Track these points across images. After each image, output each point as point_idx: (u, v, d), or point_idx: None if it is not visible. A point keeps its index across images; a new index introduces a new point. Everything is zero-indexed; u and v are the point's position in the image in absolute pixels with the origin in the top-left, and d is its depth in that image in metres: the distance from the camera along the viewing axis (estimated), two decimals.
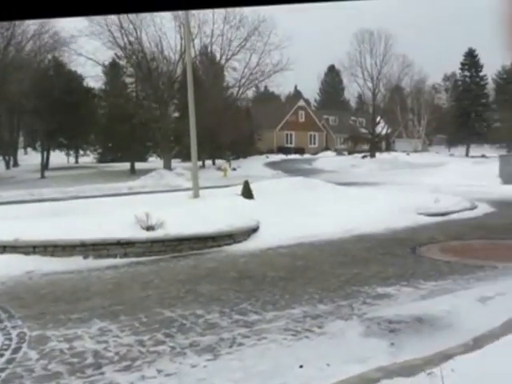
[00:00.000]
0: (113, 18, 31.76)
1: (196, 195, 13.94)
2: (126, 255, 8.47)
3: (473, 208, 13.89)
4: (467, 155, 52.59)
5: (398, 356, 3.87)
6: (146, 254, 8.56)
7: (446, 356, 3.49)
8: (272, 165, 39.11)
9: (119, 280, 7.04)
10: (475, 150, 55.91)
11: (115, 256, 8.41)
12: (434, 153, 54.46)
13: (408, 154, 48.14)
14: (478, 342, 3.76)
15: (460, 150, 56.95)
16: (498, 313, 4.77)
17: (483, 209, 13.97)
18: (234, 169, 35.15)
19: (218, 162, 39.12)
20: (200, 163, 33.14)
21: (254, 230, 10.12)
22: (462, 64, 60.97)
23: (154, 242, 8.71)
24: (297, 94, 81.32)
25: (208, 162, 38.92)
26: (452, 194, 16.17)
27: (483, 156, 49.46)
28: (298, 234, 9.92)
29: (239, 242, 9.54)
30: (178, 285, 6.58)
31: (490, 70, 68.40)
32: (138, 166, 35.83)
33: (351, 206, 12.61)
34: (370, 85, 51.34)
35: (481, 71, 60.09)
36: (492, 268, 6.90)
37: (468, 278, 6.39)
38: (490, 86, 65.53)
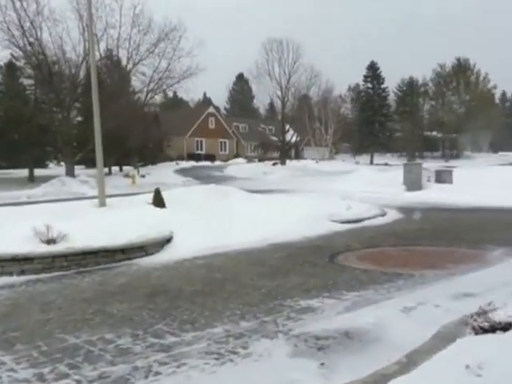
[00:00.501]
0: (12, 15, 29.54)
1: (102, 204, 13.06)
2: (23, 272, 7.61)
3: (383, 215, 14.37)
4: (371, 163, 55.35)
5: (329, 378, 3.65)
6: (46, 270, 7.74)
7: (382, 377, 3.31)
8: (182, 172, 38.45)
9: (15, 301, 6.25)
10: (379, 158, 59.08)
11: (11, 274, 7.54)
12: (340, 161, 56.76)
13: (317, 162, 49.72)
14: (411, 359, 3.64)
15: (365, 158, 59.86)
16: (422, 324, 4.74)
17: (392, 215, 14.51)
18: (143, 176, 34.03)
19: (126, 168, 37.71)
20: (106, 170, 31.71)
21: (168, 240, 9.62)
22: (365, 76, 64.34)
23: (55, 256, 7.91)
24: (206, 101, 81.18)
25: (115, 169, 37.41)
26: (361, 200, 16.71)
27: (386, 164, 52.35)
28: (213, 243, 9.58)
29: (152, 254, 8.99)
30: (83, 305, 5.94)
31: (391, 82, 72.99)
32: (38, 172, 33.50)
33: (267, 214, 12.49)
34: (279, 93, 52.43)
35: (382, 83, 63.77)
36: (409, 276, 6.99)
37: (388, 288, 6.40)
38: (392, 97, 69.78)
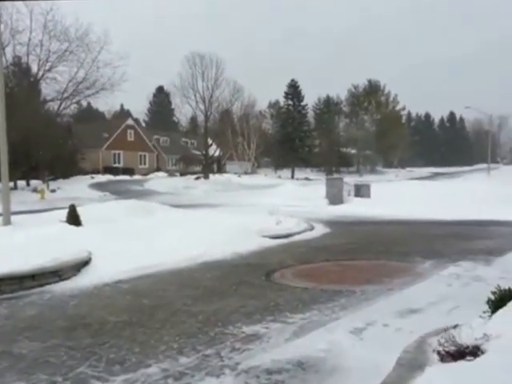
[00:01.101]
0: None
1: (7, 222, 11.71)
2: None
3: (311, 229, 14.20)
4: (292, 177, 56.16)
5: None
6: None
7: None
8: (98, 186, 36.54)
9: None
10: (299, 173, 60.14)
11: None
12: (263, 175, 57.06)
13: (240, 176, 49.55)
14: None
15: (286, 172, 60.64)
16: (378, 349, 4.38)
17: (320, 229, 14.38)
18: (53, 190, 31.81)
19: (34, 182, 35.12)
20: (11, 184, 29.27)
21: (86, 262, 8.66)
22: (286, 93, 65.54)
23: None
24: (124, 113, 78.82)
25: (21, 183, 34.69)
26: (287, 214, 16.53)
27: (306, 178, 53.35)
28: (138, 264, 8.76)
29: (67, 278, 8.00)
30: None
31: (311, 100, 75.12)
32: None
33: (193, 230, 11.84)
34: (202, 107, 51.85)
35: (302, 101, 65.25)
36: (351, 293, 6.67)
37: (332, 307, 6.02)
38: (311, 114, 71.67)
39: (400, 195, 29.21)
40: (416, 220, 16.93)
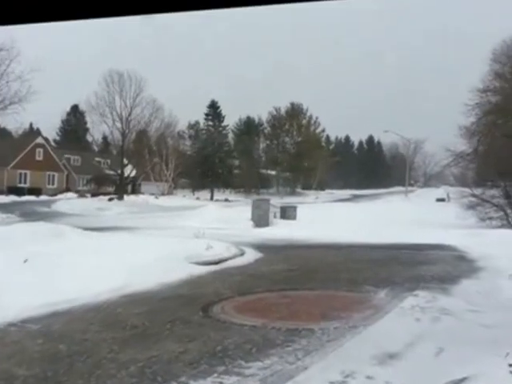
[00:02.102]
0: None
1: None
2: None
3: (242, 254, 13.38)
4: (212, 199, 55.21)
5: None
6: None
7: None
8: (1, 207, 33.38)
9: None
10: (218, 194, 59.32)
11: None
12: (181, 196, 55.59)
13: (157, 197, 47.79)
14: None
15: (204, 193, 59.56)
16: None
17: (252, 254, 13.60)
18: None
19: None
20: None
21: None
22: (206, 114, 65.08)
23: None
24: (34, 131, 74.31)
25: None
26: (212, 238, 15.63)
27: (227, 200, 52.64)
28: (50, 298, 7.42)
29: None
30: None
31: (231, 121, 75.03)
32: None
33: (113, 257, 10.61)
34: (119, 125, 49.78)
35: (223, 121, 65.05)
36: (309, 332, 5.88)
37: (293, 351, 5.18)
38: (232, 135, 71.56)
39: (326, 217, 29.31)
40: (348, 243, 16.66)
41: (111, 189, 52.96)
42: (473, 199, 30.04)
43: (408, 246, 15.65)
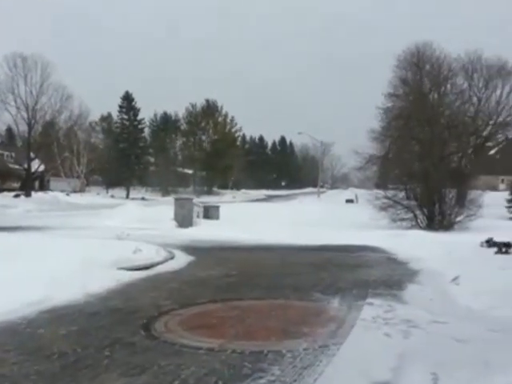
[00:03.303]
0: None
1: None
2: None
3: (172, 257, 12.28)
4: (127, 197, 52.75)
5: None
6: None
7: None
8: None
9: None
10: (133, 192, 56.86)
11: None
12: (94, 193, 52.55)
13: (68, 195, 44.71)
14: None
15: (119, 191, 56.89)
16: None
17: (182, 257, 12.54)
18: None
19: None
20: None
21: None
22: (120, 106, 62.03)
23: None
24: None
25: None
26: (137, 239, 14.39)
27: (143, 198, 50.51)
28: None
29: None
30: None
31: (148, 115, 72.22)
32: None
33: (27, 262, 9.11)
34: (24, 115, 45.86)
35: (138, 115, 62.33)
36: (278, 356, 5.00)
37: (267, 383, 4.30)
38: (148, 130, 68.94)
39: (249, 217, 28.70)
40: (278, 245, 16.07)
41: (16, 185, 48.94)
42: (386, 201, 31.08)
43: (336, 248, 15.33)
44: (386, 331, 5.83)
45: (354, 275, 10.28)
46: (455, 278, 8.80)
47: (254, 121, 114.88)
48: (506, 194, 41.73)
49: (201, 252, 13.92)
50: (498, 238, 13.16)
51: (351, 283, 9.28)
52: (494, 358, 4.73)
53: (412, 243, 15.42)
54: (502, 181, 56.99)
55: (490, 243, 12.98)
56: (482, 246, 13.25)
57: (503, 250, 11.28)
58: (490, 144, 38.25)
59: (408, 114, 32.71)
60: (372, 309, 6.98)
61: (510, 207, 39.99)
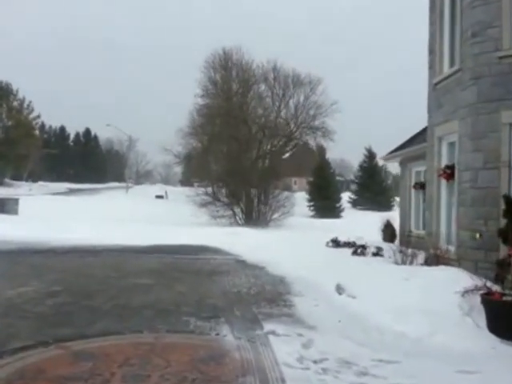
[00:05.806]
0: None
1: None
2: None
3: None
4: None
5: None
6: None
7: None
8: None
9: None
10: None
11: None
12: None
13: None
14: None
15: None
16: None
17: None
18: None
19: None
20: None
21: None
22: None
23: None
24: None
25: None
26: None
27: None
28: None
29: None
30: None
31: None
32: None
33: None
34: None
35: None
36: None
37: None
38: None
39: (52, 213, 24.27)
40: (103, 246, 13.00)
41: None
42: (205, 197, 29.79)
43: (173, 249, 12.96)
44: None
45: (219, 286, 8.11)
46: (338, 288, 7.32)
47: (56, 110, 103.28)
48: (303, 194, 44.51)
49: (1, 258, 10.20)
50: (341, 238, 12.50)
51: (223, 299, 7.11)
52: None
53: (250, 243, 13.82)
54: (295, 182, 61.29)
55: (336, 243, 12.19)
56: (327, 245, 12.40)
57: (359, 251, 10.40)
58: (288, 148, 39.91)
59: (217, 113, 32.19)
60: (283, 342, 4.93)
61: (310, 206, 42.68)
